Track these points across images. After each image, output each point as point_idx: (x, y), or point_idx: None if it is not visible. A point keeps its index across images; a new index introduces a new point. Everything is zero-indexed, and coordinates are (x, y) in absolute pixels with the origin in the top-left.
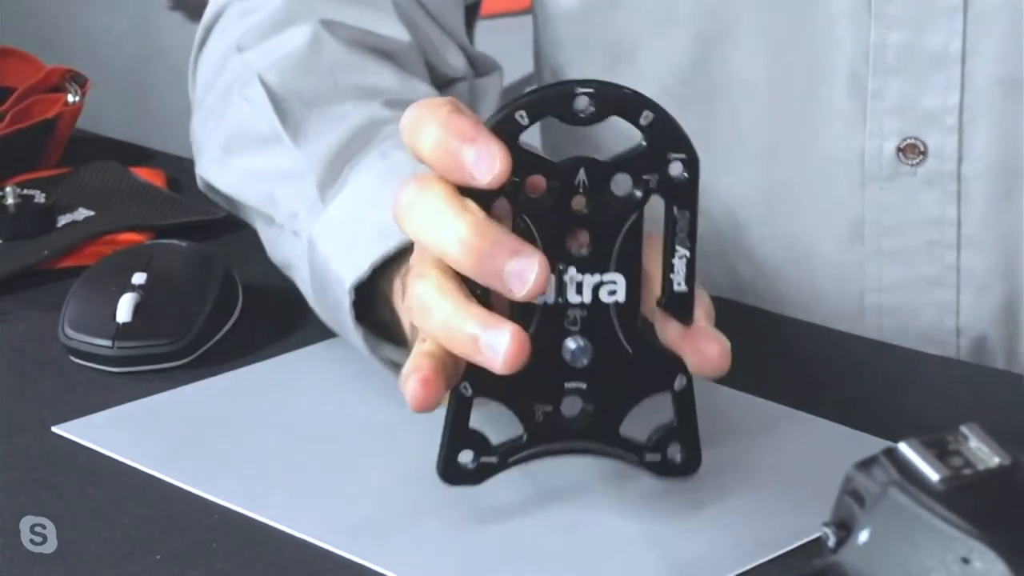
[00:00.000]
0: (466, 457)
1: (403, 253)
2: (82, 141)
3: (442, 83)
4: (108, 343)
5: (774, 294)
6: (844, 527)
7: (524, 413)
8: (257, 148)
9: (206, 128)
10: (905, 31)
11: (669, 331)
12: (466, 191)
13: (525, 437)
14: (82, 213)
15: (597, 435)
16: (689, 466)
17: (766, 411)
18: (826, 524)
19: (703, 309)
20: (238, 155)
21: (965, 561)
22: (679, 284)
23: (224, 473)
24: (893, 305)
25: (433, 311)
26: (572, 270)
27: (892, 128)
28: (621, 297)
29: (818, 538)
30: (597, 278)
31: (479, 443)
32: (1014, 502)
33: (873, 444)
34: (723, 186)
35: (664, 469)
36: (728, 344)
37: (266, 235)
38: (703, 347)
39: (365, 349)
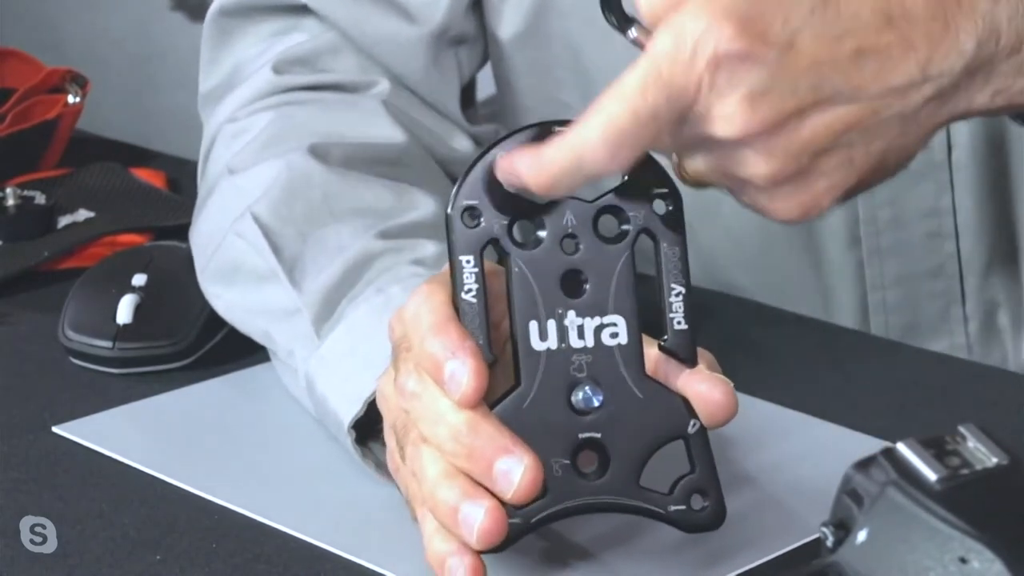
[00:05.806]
0: None
1: None
2: (82, 142)
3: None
4: (108, 344)
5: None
6: (843, 527)
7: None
8: (252, 284)
9: (201, 257)
10: None
11: (673, 375)
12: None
13: (546, 494)
14: (82, 214)
15: (618, 488)
16: (714, 518)
17: (765, 412)
18: (825, 524)
19: (706, 362)
20: (233, 289)
21: (963, 561)
22: (679, 322)
23: (224, 473)
24: (898, 301)
25: (424, 475)
26: (572, 314)
27: None
28: (624, 339)
29: (818, 538)
30: (597, 320)
31: None
32: (1012, 502)
33: (872, 444)
34: (722, 201)
35: (688, 521)
36: (732, 387)
37: (274, 363)
38: (705, 391)
39: (377, 475)
